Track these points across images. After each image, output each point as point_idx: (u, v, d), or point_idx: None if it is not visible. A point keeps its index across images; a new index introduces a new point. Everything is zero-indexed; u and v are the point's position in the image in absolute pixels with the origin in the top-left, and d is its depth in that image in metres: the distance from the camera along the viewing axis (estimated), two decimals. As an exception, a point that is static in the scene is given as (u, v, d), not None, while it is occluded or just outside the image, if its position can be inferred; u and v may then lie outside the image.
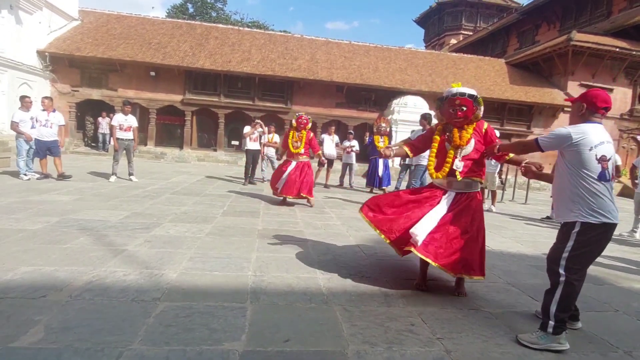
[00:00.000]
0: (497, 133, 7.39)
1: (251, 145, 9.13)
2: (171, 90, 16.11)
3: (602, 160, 2.28)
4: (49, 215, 4.49)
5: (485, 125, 3.02)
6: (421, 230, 2.84)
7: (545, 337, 2.29)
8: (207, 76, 16.25)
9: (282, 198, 6.57)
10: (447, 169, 2.98)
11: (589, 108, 2.40)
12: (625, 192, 15.22)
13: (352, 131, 12.11)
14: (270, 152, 10.03)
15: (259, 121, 9.41)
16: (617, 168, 6.60)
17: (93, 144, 16.46)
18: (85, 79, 15.63)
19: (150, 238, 3.89)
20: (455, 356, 2.11)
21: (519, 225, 6.58)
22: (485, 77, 18.40)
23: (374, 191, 9.48)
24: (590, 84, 17.80)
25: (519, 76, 18.93)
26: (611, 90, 18.00)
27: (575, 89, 17.76)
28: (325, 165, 9.70)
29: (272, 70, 15.93)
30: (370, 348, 2.12)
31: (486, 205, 7.55)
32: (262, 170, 9.95)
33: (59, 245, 3.42)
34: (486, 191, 8.05)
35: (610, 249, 5.21)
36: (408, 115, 15.55)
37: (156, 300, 2.49)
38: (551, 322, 2.29)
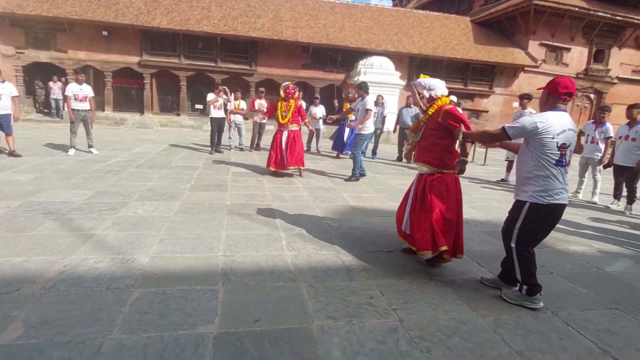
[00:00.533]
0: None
1: (215, 113, 8.94)
2: (126, 51, 15.23)
3: (562, 147, 2.51)
4: (9, 199, 4.39)
5: (443, 110, 3.06)
6: (405, 220, 3.30)
7: (520, 296, 2.72)
8: (164, 36, 15.42)
9: (273, 170, 6.74)
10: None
11: (552, 94, 2.58)
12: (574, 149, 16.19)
13: (318, 96, 12.07)
14: (238, 119, 9.90)
15: (223, 87, 9.19)
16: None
17: (45, 110, 15.54)
18: (30, 39, 14.47)
19: (118, 220, 3.93)
20: (407, 325, 2.39)
21: (475, 189, 7.00)
22: (450, 37, 18.46)
23: (340, 156, 9.68)
24: (550, 43, 18.34)
25: (483, 35, 19.11)
26: (569, 49, 18.63)
27: (535, 48, 18.23)
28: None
29: (235, 30, 15.29)
30: (333, 323, 2.36)
31: None
32: (229, 137, 9.85)
33: (24, 233, 3.41)
34: None
35: (554, 210, 5.71)
36: (374, 76, 15.56)
37: (130, 287, 2.61)
38: (524, 286, 2.68)
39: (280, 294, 2.67)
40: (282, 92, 6.62)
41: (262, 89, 10.30)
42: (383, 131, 10.80)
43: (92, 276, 2.72)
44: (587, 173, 6.87)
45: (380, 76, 15.71)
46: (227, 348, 2.06)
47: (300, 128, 6.85)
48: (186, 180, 6.00)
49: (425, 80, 3.21)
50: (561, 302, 2.85)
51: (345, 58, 17.00)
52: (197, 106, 16.77)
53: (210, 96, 8.90)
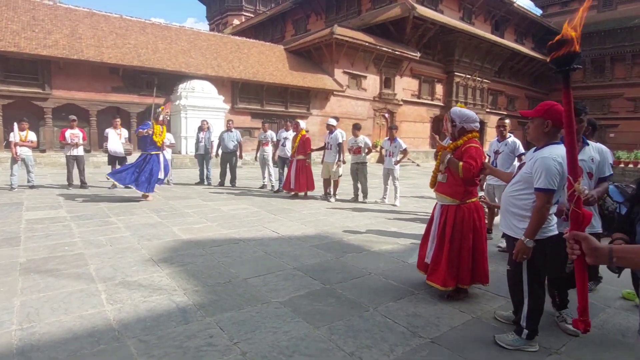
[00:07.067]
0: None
1: None
2: None
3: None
4: None
5: (468, 145, 3.14)
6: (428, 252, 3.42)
7: (519, 340, 2.53)
8: None
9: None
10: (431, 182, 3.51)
11: (555, 124, 2.34)
12: (380, 160, 19.17)
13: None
14: (25, 151, 8.13)
15: None
16: (368, 149, 8.26)
17: None
18: None
19: None
20: (251, 356, 2.37)
21: (303, 205, 7.52)
22: (267, 63, 19.55)
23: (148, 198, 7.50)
24: (350, 71, 21.33)
25: (296, 62, 20.90)
26: (365, 77, 22.04)
27: (340, 75, 20.92)
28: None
29: (16, 46, 12.68)
30: (170, 377, 2.15)
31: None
32: (11, 175, 7.95)
33: None
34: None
35: (368, 217, 6.60)
36: (197, 100, 15.20)
37: None
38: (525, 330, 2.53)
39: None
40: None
41: (73, 116, 8.85)
42: (212, 156, 10.56)
43: None
44: (389, 181, 8.19)
45: (203, 100, 15.42)
46: None
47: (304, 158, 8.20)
48: (-47, 238, 4.60)
49: (461, 110, 3.23)
50: (379, 297, 3.29)
51: (163, 81, 16.03)
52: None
53: None
